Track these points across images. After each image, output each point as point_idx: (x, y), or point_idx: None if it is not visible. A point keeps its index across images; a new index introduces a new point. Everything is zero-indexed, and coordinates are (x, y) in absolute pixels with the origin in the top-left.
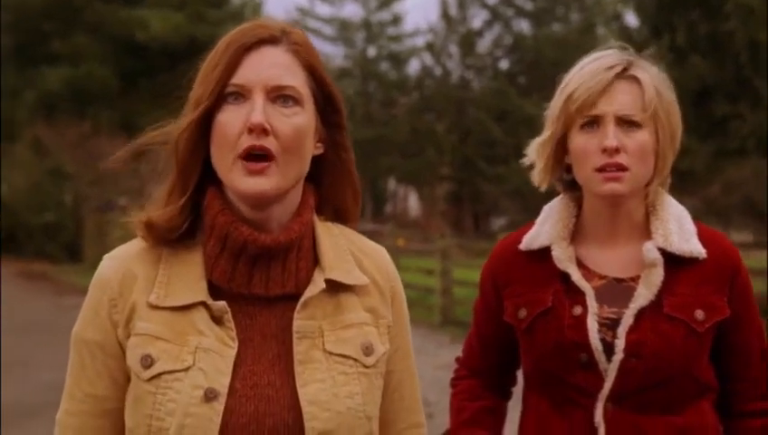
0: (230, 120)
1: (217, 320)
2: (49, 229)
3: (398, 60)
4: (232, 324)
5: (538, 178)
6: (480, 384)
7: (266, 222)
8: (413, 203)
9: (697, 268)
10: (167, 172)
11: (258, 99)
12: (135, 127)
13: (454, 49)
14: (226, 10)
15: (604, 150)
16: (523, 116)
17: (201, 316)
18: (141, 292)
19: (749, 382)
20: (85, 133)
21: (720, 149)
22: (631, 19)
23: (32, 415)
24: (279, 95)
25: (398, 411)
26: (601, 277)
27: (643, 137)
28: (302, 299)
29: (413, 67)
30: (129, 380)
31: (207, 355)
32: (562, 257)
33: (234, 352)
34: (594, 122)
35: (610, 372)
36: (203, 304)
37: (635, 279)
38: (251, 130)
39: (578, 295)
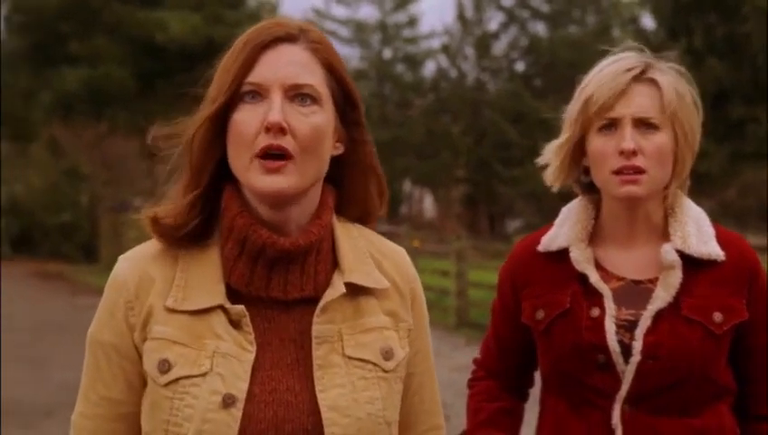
0: (247, 119)
1: (235, 324)
2: (65, 229)
3: (414, 62)
4: (250, 328)
5: (551, 177)
6: (497, 386)
7: (284, 223)
8: (428, 205)
9: (716, 271)
10: (180, 171)
11: (276, 97)
12: (152, 127)
13: (469, 51)
14: (243, 11)
15: (621, 153)
16: (538, 118)
17: (219, 320)
18: (158, 295)
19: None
20: (102, 134)
21: (737, 152)
22: (647, 21)
23: (48, 414)
24: (297, 94)
25: (418, 414)
26: (619, 279)
27: (661, 139)
28: (322, 303)
29: (429, 69)
30: (145, 384)
31: (225, 360)
32: (581, 259)
33: (252, 357)
34: (612, 125)
35: (628, 373)
36: (221, 307)
37: (653, 281)
38: (268, 130)
39: (596, 297)
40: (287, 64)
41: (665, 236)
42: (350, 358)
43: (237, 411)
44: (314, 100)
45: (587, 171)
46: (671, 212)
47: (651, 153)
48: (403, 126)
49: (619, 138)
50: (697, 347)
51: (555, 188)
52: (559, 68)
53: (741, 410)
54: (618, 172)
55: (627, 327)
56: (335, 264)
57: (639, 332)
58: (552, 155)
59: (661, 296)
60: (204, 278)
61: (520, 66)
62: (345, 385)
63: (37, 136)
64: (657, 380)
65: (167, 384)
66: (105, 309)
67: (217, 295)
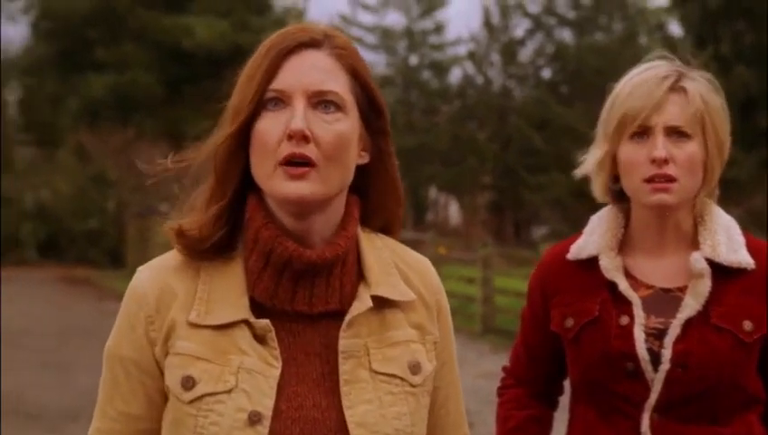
0: (269, 127)
1: (260, 339)
2: (91, 235)
3: (440, 68)
4: (275, 343)
5: (600, 192)
6: (527, 393)
7: (308, 234)
8: (454, 211)
9: (745, 279)
10: (203, 180)
11: (298, 105)
12: (179, 134)
13: (496, 58)
14: (269, 17)
15: (653, 161)
16: (564, 125)
17: (243, 335)
18: (180, 309)
19: None
20: (128, 140)
21: (765, 160)
22: (675, 28)
23: (73, 419)
24: (320, 101)
25: (443, 427)
26: (648, 287)
27: (692, 148)
28: (348, 317)
29: (455, 76)
30: (165, 399)
31: (250, 376)
32: (610, 267)
33: (278, 373)
34: (643, 133)
35: (657, 382)
36: (245, 321)
37: (682, 289)
38: (291, 138)
39: (625, 305)
40: (310, 70)
41: (694, 244)
42: (376, 373)
43: (264, 429)
44: (338, 107)
45: (616, 179)
46: (700, 220)
47: (683, 162)
48: (429, 133)
49: (650, 146)
50: (727, 356)
51: (603, 201)
52: (585, 75)
53: None
54: (649, 180)
55: (656, 335)
56: (360, 276)
57: (669, 340)
58: (593, 169)
59: (690, 305)
60: (227, 291)
61: (546, 73)
62: (372, 401)
63: (64, 142)
64: (687, 388)
65: (191, 401)
66: (124, 322)
67: (241, 309)
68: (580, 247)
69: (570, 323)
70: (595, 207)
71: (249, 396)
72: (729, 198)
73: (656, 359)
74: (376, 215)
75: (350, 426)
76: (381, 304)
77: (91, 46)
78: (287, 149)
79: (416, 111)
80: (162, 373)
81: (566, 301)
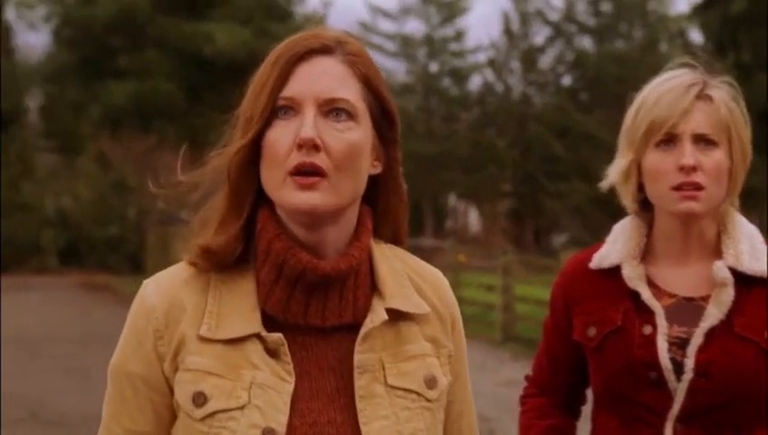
0: (280, 136)
1: (273, 353)
2: (112, 242)
3: (460, 75)
4: (288, 358)
5: (630, 202)
6: (549, 402)
7: (321, 245)
8: (473, 219)
9: None
10: (215, 192)
11: (309, 112)
12: (200, 141)
13: (515, 65)
14: (290, 24)
15: (681, 169)
16: (584, 132)
17: (255, 349)
18: (190, 323)
19: None
20: (149, 147)
21: None
22: (695, 35)
23: (94, 425)
24: (332, 109)
25: None
26: (671, 296)
27: (719, 156)
28: (363, 331)
29: (475, 83)
30: (174, 416)
31: (263, 391)
32: (633, 276)
33: (291, 388)
34: (670, 140)
35: (680, 391)
36: (257, 335)
37: (705, 299)
38: (300, 147)
39: (648, 314)
40: (321, 77)
41: (717, 253)
42: (392, 387)
43: None
44: (350, 115)
45: (640, 187)
46: (723, 229)
47: (710, 170)
48: (449, 140)
49: (678, 153)
50: (750, 365)
51: (631, 209)
52: (605, 82)
53: None
54: (677, 188)
55: (679, 345)
56: (373, 288)
57: (692, 349)
58: (619, 179)
59: (713, 314)
60: (238, 305)
61: (566, 80)
62: (389, 416)
63: (85, 149)
64: (709, 398)
65: (202, 419)
66: (132, 337)
67: (253, 323)
68: (603, 256)
69: (592, 332)
70: (615, 214)
71: (262, 412)
72: (748, 205)
73: (679, 368)
74: (385, 225)
75: None
76: (396, 316)
77: (113, 54)
78: (297, 158)
79: (435, 119)
80: (171, 390)
81: (589, 310)
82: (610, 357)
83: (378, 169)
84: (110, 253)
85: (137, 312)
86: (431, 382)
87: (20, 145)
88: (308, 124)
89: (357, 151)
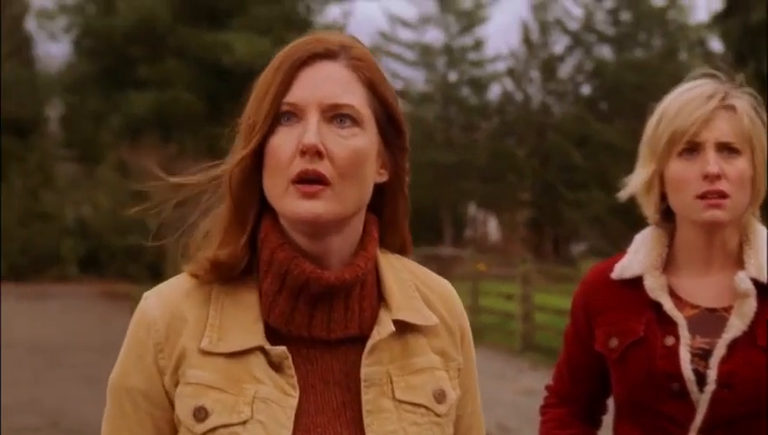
0: (282, 143)
1: (276, 366)
2: (131, 250)
3: (479, 85)
4: (292, 371)
5: (652, 212)
6: (569, 413)
7: (325, 255)
8: (492, 228)
9: None
10: (217, 203)
11: (312, 118)
12: (219, 151)
13: (535, 74)
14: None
15: (706, 177)
16: (603, 141)
17: (258, 362)
18: (191, 336)
19: None
20: (170, 157)
21: None
22: (715, 44)
23: None
24: (336, 114)
25: None
26: (693, 307)
27: (742, 164)
28: (370, 343)
29: (494, 92)
30: (174, 432)
31: (266, 406)
32: (655, 287)
33: (295, 402)
34: (693, 149)
35: (702, 402)
36: (260, 348)
37: (727, 309)
38: (303, 153)
39: (670, 325)
40: (325, 82)
41: (739, 263)
42: (400, 402)
43: None
44: (355, 121)
45: (662, 197)
46: (746, 239)
47: (734, 178)
48: (468, 149)
49: (702, 162)
50: None
51: (653, 220)
52: (624, 91)
53: None
54: (702, 196)
55: (701, 356)
56: (380, 299)
57: (714, 360)
58: (641, 190)
59: (736, 325)
60: (241, 317)
61: (585, 89)
62: (397, 432)
63: (105, 158)
64: (732, 409)
65: (203, 434)
66: (131, 351)
67: (256, 336)
68: (625, 267)
69: (614, 343)
70: (634, 223)
71: (265, 427)
72: (764, 215)
73: (701, 379)
74: (392, 235)
75: None
76: (403, 328)
77: (133, 64)
78: (300, 165)
79: (455, 128)
80: (172, 404)
81: (610, 320)
82: (633, 368)
83: (384, 178)
84: (130, 261)
85: (137, 325)
86: (440, 396)
87: (40, 154)
88: (311, 130)
89: (362, 158)
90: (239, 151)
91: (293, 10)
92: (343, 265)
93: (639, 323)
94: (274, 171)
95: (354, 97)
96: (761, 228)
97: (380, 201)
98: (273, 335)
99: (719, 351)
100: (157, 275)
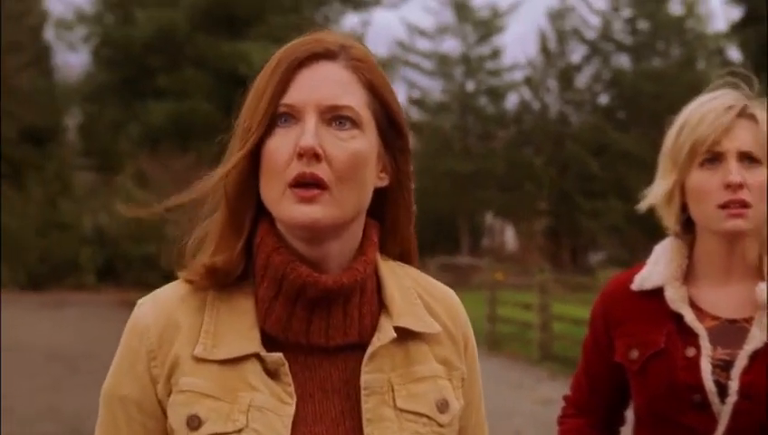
0: (279, 145)
1: (272, 374)
2: (149, 259)
3: (497, 94)
4: (289, 378)
5: (673, 223)
6: (587, 423)
7: (324, 261)
8: (510, 237)
9: None
10: (213, 208)
11: (310, 120)
12: None
13: (552, 83)
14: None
15: (728, 186)
16: (621, 151)
17: (254, 370)
18: (184, 343)
19: None
20: (188, 166)
21: None
22: (733, 54)
23: None
24: (334, 116)
25: None
26: (714, 318)
27: (763, 174)
28: (371, 350)
29: (511, 101)
30: None
31: (262, 414)
32: (675, 298)
33: (292, 410)
34: (715, 159)
35: (724, 414)
36: (256, 355)
37: (748, 320)
38: (301, 156)
39: (691, 337)
40: (323, 83)
41: (759, 274)
42: (402, 410)
43: None
44: (354, 123)
45: (683, 208)
46: (765, 250)
47: (755, 188)
48: (485, 158)
49: (723, 171)
50: None
51: (673, 230)
52: (642, 101)
53: None
54: (724, 206)
55: (722, 367)
56: (381, 305)
57: (736, 372)
58: (662, 201)
59: (757, 336)
60: (236, 323)
61: (603, 99)
62: None
63: (123, 167)
64: (754, 420)
65: None
66: (124, 360)
67: (252, 342)
68: (645, 278)
69: (635, 354)
70: (652, 232)
71: None
72: None
73: (723, 391)
74: (393, 241)
75: None
76: (405, 336)
77: (151, 73)
78: (297, 168)
79: (472, 137)
80: (165, 413)
81: (630, 331)
82: (653, 380)
83: (385, 182)
84: (148, 270)
85: (130, 332)
86: (443, 406)
87: (59, 164)
88: (309, 132)
89: (361, 162)
90: (235, 154)
91: (311, 19)
92: (342, 270)
93: (660, 334)
94: (271, 175)
95: (354, 98)
96: None
97: (381, 206)
98: (269, 342)
99: (741, 362)
100: None
